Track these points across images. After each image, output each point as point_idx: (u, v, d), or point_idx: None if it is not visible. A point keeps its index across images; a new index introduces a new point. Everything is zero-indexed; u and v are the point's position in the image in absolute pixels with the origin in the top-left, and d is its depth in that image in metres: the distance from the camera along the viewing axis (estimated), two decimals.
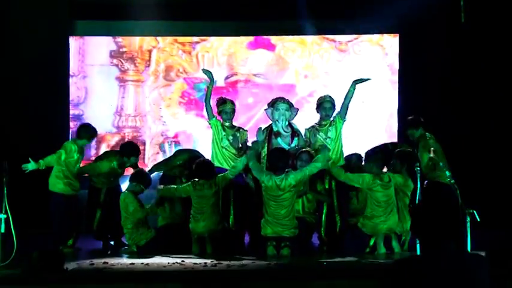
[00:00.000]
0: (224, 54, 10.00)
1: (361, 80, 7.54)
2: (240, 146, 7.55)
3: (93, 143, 8.96)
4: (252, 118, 9.59)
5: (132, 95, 9.87)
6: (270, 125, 7.44)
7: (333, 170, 7.06)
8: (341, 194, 7.28)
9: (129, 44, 9.98)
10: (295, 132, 7.43)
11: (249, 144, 7.56)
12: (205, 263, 6.05)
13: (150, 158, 9.93)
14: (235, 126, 7.66)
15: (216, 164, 7.42)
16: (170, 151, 9.53)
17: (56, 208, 7.24)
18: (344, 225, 7.18)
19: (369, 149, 7.50)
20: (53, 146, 7.51)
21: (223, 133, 7.49)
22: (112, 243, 7.52)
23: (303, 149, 7.25)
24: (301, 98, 9.72)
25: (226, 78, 9.94)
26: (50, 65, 9.19)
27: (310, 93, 9.76)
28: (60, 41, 9.49)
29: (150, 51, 9.96)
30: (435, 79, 9.19)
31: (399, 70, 9.73)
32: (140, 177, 7.25)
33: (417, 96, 9.22)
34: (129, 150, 7.61)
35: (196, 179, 7.05)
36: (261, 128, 7.51)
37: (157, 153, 9.94)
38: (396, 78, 9.74)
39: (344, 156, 7.56)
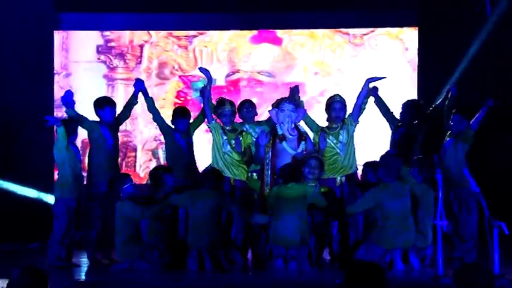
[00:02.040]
0: (225, 50, 10.19)
1: (375, 79, 7.70)
2: (243, 150, 7.71)
3: (79, 147, 9.40)
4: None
5: (122, 95, 10.02)
6: (275, 128, 7.57)
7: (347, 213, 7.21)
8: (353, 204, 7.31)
9: (118, 39, 10.18)
10: (302, 136, 7.52)
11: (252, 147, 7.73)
12: (204, 279, 6.38)
13: (142, 165, 10.18)
14: (237, 129, 7.81)
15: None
16: (164, 158, 9.86)
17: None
18: (357, 238, 7.30)
19: (385, 152, 7.60)
20: (35, 150, 7.82)
21: (225, 137, 7.67)
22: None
23: (312, 155, 7.41)
24: (311, 98, 9.89)
25: (227, 76, 10.19)
26: (33, 62, 9.56)
27: (321, 93, 9.95)
28: (44, 35, 9.80)
29: (141, 47, 10.19)
30: (459, 77, 9.23)
31: (418, 67, 9.90)
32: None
33: (438, 96, 9.29)
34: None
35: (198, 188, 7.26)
36: (264, 130, 7.65)
37: (150, 160, 10.16)
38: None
39: (356, 163, 7.72)
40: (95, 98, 8.04)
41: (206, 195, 7.17)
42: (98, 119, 7.95)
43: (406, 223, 6.99)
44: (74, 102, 7.73)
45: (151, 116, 8.16)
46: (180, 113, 8.07)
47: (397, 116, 8.18)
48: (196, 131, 8.24)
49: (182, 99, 10.21)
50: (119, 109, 8.09)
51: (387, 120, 8.04)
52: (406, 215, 6.99)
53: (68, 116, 7.81)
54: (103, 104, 7.95)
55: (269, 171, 7.43)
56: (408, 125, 8.05)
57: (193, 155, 8.12)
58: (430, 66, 9.72)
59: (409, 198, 7.02)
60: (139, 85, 8.14)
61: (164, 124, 8.06)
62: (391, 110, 8.15)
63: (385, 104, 8.02)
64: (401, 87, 9.87)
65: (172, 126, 8.08)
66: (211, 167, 7.62)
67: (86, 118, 7.93)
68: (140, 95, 8.19)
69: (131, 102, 8.24)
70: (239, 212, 7.29)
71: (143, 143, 10.23)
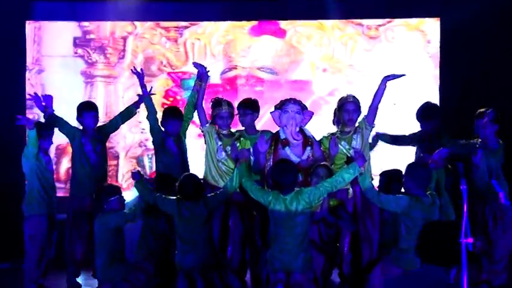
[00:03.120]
0: (220, 43, 10.16)
1: (394, 77, 7.59)
2: None
3: (53, 155, 9.24)
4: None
5: (102, 95, 10.08)
6: (277, 132, 7.48)
7: (366, 191, 7.00)
8: (368, 218, 7.40)
9: (98, 30, 10.16)
10: (308, 140, 7.44)
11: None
12: None
13: (125, 175, 10.14)
14: (234, 134, 7.77)
15: (211, 181, 7.58)
16: (151, 166, 9.72)
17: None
18: (372, 258, 7.27)
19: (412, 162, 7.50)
20: (6, 157, 7.80)
21: (220, 143, 7.64)
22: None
23: (321, 163, 7.29)
24: (319, 98, 9.90)
25: (223, 73, 10.15)
26: (3, 56, 9.60)
27: (331, 92, 9.94)
28: (15, 26, 9.81)
29: (124, 39, 10.18)
30: (485, 75, 9.40)
31: (440, 63, 9.90)
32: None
33: (461, 95, 9.44)
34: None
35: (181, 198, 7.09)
36: (264, 134, 7.58)
37: (134, 169, 9.83)
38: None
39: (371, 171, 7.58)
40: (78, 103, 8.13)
41: (194, 204, 7.02)
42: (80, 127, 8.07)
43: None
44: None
45: (138, 117, 8.21)
46: (171, 113, 8.05)
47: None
48: (188, 137, 8.25)
49: (171, 99, 10.18)
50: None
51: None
52: None
53: (46, 117, 7.78)
54: (81, 110, 8.02)
55: (270, 182, 7.19)
56: (430, 138, 8.08)
57: (187, 163, 8.10)
58: (454, 62, 9.73)
59: (437, 212, 6.91)
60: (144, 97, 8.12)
61: (156, 125, 8.05)
62: (399, 135, 8.21)
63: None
64: (423, 86, 9.86)
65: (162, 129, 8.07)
66: (187, 174, 7.39)
67: (67, 122, 8.01)
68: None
69: (131, 111, 8.29)
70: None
71: (127, 149, 10.21)
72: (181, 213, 7.01)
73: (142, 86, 8.01)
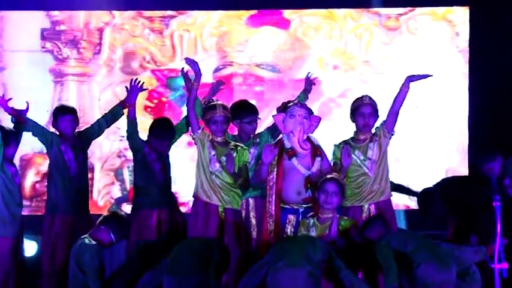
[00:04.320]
0: (213, 35, 10.13)
1: (418, 77, 7.53)
2: (238, 170, 7.55)
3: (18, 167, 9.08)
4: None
5: (75, 96, 10.03)
6: (280, 140, 7.37)
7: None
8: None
9: (70, 20, 10.13)
10: (316, 150, 7.33)
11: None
12: None
13: (102, 191, 10.13)
14: (229, 142, 7.66)
15: (203, 196, 7.47)
16: (131, 180, 9.50)
17: None
18: None
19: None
20: None
21: (213, 152, 7.51)
22: None
23: (329, 176, 7.23)
24: (328, 100, 9.86)
25: (216, 70, 10.10)
26: None
27: (342, 93, 9.91)
28: None
29: (101, 31, 10.16)
30: None
31: (470, 58, 9.90)
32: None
33: (493, 95, 9.45)
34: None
35: None
36: (268, 143, 7.50)
37: (113, 183, 10.13)
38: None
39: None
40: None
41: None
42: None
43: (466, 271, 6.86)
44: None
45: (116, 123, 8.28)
46: (163, 130, 8.04)
47: None
48: (176, 145, 8.27)
49: (155, 101, 10.14)
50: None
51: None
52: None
53: (15, 121, 7.73)
54: (55, 115, 8.00)
55: (273, 199, 7.22)
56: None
57: (170, 179, 8.16)
58: (485, 57, 9.74)
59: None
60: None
61: (137, 139, 8.06)
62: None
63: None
64: (450, 86, 9.90)
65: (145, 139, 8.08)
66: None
67: (44, 127, 7.99)
68: None
69: (116, 112, 8.19)
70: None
71: (103, 160, 10.20)
72: None
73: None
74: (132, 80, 8.15)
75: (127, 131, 8.00)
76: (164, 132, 8.04)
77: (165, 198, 8.05)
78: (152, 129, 8.03)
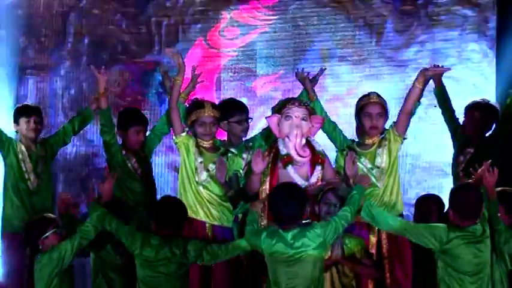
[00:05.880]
0: (196, 20, 10.23)
1: (434, 71, 7.62)
2: (228, 180, 7.60)
3: None
4: None
5: (33, 93, 10.14)
6: (275, 145, 7.42)
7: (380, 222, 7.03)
8: (398, 262, 7.45)
9: (28, 4, 10.26)
10: (317, 157, 7.35)
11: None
12: None
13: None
14: (219, 148, 7.73)
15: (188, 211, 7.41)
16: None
17: None
18: None
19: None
20: None
21: (200, 159, 7.58)
22: None
23: (331, 186, 7.23)
24: (333, 98, 9.94)
25: (201, 62, 10.05)
26: None
27: (348, 90, 9.99)
28: None
29: (64, 16, 10.26)
30: None
31: (497, 46, 9.92)
32: None
33: None
34: None
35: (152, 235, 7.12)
36: (259, 149, 7.48)
37: (79, 195, 9.98)
38: None
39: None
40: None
41: (162, 247, 7.04)
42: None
43: (481, 285, 6.89)
44: None
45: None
46: (133, 118, 8.14)
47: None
48: (155, 151, 8.48)
49: (129, 98, 10.23)
50: None
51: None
52: (481, 274, 6.87)
53: None
54: (16, 116, 8.09)
55: (266, 214, 7.26)
56: (477, 144, 8.31)
57: (154, 185, 8.34)
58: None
59: (489, 248, 6.92)
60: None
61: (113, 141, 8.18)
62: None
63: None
64: (478, 79, 9.94)
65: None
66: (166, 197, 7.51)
67: (1, 130, 8.10)
68: None
69: (88, 114, 8.29)
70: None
71: (68, 169, 10.35)
72: (145, 253, 7.02)
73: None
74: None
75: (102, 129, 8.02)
76: (135, 117, 8.14)
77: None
78: (122, 119, 8.12)
